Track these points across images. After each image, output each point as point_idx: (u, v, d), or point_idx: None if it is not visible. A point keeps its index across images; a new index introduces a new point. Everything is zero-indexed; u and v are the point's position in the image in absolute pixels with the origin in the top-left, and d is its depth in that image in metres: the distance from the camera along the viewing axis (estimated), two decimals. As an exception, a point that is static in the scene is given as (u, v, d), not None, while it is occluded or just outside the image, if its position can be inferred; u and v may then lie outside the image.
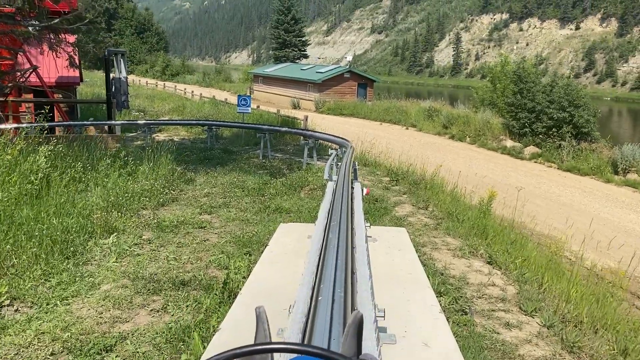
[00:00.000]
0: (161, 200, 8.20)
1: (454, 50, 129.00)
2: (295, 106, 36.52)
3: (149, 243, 6.12)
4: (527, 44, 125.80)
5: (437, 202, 9.44)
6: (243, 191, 9.59)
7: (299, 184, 10.11)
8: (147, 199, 8.09)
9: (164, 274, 5.08)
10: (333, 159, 9.26)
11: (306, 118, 19.43)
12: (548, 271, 5.88)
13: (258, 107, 26.30)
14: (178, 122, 19.23)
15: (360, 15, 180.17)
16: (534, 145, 22.21)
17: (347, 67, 39.72)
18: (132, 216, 7.05)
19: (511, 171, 18.80)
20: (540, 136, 21.98)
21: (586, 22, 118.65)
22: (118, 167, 9.35)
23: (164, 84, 47.22)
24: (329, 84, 36.81)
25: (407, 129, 27.98)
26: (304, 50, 57.55)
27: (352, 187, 6.14)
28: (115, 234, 6.23)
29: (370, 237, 5.36)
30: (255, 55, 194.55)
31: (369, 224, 5.42)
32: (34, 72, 17.16)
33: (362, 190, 6.33)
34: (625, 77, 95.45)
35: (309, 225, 6.64)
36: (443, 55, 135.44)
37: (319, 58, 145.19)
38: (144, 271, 5.13)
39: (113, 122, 17.83)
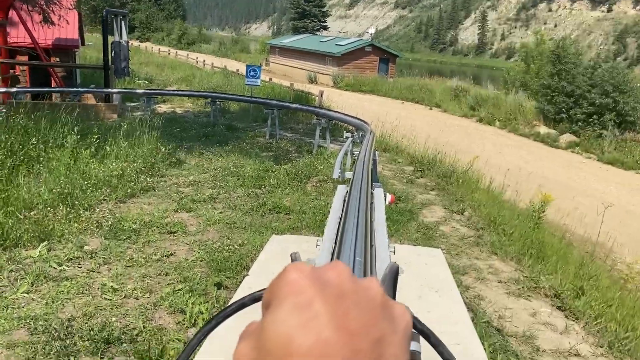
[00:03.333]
0: (130, 190, 6.54)
1: (479, 29, 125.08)
2: (312, 80, 34.54)
3: (90, 258, 4.48)
4: (555, 25, 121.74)
5: (473, 203, 7.68)
6: (238, 180, 7.91)
7: (306, 174, 8.40)
8: (113, 188, 6.44)
9: (86, 320, 3.43)
10: (348, 146, 7.52)
11: (321, 94, 17.60)
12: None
13: (270, 79, 24.48)
14: (179, 92, 17.53)
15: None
16: (570, 133, 20.16)
17: (369, 40, 37.52)
18: (82, 213, 5.40)
19: (547, 161, 16.86)
20: (579, 123, 19.92)
21: (619, 4, 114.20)
22: (88, 144, 7.68)
23: (176, 52, 45.34)
24: (349, 57, 34.67)
25: (430, 109, 25.98)
26: (324, 22, 55.17)
27: (372, 193, 4.38)
28: (47, 242, 4.60)
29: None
30: (275, 27, 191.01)
31: (393, 249, 3.49)
32: (27, 33, 15.58)
33: (386, 197, 4.53)
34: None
35: (310, 240, 4.94)
36: (468, 34, 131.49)
37: (340, 32, 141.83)
38: (58, 314, 3.50)
39: (110, 90, 16.20)
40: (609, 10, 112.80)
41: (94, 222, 5.26)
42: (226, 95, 15.37)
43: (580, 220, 9.88)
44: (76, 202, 5.65)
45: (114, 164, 7.12)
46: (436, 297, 4.06)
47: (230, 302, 0.46)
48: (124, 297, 3.84)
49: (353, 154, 8.50)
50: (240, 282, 3.68)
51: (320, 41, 39.77)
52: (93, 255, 4.52)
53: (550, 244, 5.92)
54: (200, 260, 4.61)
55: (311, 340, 0.31)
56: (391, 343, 0.34)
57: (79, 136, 7.75)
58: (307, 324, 0.32)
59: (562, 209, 10.29)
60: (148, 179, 7.16)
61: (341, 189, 4.11)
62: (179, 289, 3.96)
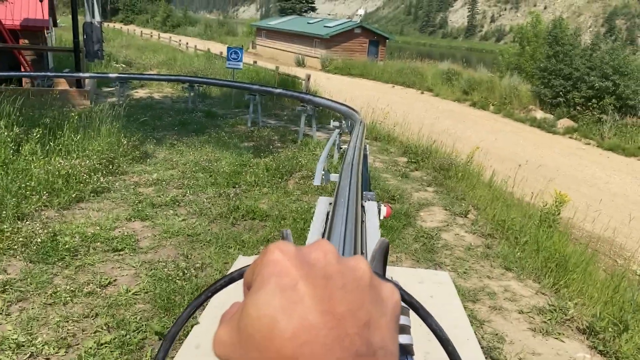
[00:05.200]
0: (77, 193, 5.54)
1: (469, 11, 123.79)
2: (300, 63, 33.35)
3: (1, 292, 3.51)
4: (545, 7, 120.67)
5: (477, 202, 6.78)
6: (210, 177, 6.94)
7: (288, 169, 7.44)
8: (57, 191, 5.44)
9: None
10: (335, 139, 6.56)
11: (308, 78, 16.57)
12: None
13: (255, 62, 23.34)
14: (154, 77, 16.41)
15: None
16: (568, 118, 19.32)
17: (358, 22, 36.33)
18: (7, 227, 4.41)
19: (545, 148, 16.02)
20: (577, 108, 19.07)
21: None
22: (36, 138, 6.64)
23: (159, 34, 43.77)
24: (338, 40, 33.48)
25: (422, 93, 25.01)
26: (312, 2, 53.73)
27: (363, 207, 3.41)
28: (-51, 270, 3.63)
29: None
30: (263, 9, 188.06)
31: (390, 277, 2.36)
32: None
33: (380, 210, 3.55)
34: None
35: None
36: (457, 16, 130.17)
37: (329, 14, 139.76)
38: None
39: (80, 74, 15.03)
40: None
41: (21, 238, 4.27)
42: (204, 80, 14.31)
43: (587, 214, 9.06)
44: (4, 212, 4.66)
45: (60, 161, 6.10)
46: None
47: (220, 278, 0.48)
48: (29, 356, 2.88)
49: (340, 148, 7.55)
50: (188, 334, 2.74)
51: (308, 23, 38.49)
52: (6, 287, 3.54)
53: (571, 255, 5.04)
54: (145, 292, 3.65)
55: (295, 324, 0.29)
56: (379, 327, 0.32)
57: (23, 128, 6.71)
58: (291, 307, 0.30)
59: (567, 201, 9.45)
60: (102, 178, 6.15)
61: (322, 203, 3.14)
62: (106, 342, 3.00)
